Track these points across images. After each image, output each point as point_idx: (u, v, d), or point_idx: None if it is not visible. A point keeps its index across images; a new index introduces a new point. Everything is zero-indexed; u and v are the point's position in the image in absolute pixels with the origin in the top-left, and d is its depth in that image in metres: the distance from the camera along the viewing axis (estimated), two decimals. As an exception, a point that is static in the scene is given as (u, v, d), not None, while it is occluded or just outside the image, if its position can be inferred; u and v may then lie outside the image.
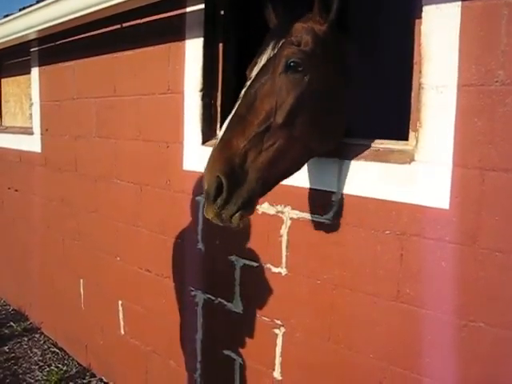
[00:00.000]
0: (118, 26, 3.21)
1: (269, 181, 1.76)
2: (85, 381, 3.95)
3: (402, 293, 1.88)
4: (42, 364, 4.19)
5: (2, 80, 5.44)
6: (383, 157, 1.92)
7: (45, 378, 3.96)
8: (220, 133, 1.72)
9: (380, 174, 1.89)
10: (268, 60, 1.78)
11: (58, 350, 4.39)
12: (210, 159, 1.65)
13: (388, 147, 1.97)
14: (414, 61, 1.83)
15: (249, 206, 1.69)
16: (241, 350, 2.62)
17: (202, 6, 2.59)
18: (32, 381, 3.94)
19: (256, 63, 1.83)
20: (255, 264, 2.43)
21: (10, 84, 5.30)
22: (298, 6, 1.91)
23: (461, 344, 1.71)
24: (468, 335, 1.69)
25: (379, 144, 2.00)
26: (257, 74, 1.77)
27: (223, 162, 1.62)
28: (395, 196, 1.86)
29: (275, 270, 2.33)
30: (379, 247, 1.94)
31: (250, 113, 1.70)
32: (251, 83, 1.76)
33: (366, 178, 1.94)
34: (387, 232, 1.90)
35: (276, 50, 1.77)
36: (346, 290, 2.07)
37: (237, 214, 1.65)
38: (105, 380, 3.88)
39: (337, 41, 1.91)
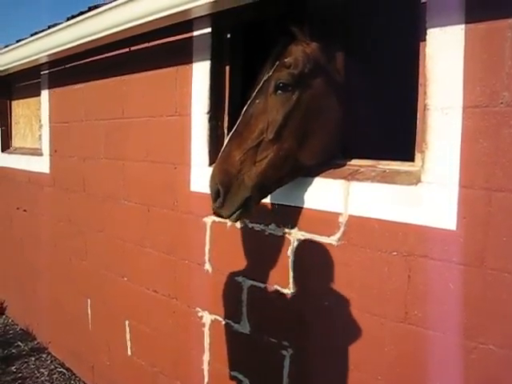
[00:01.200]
0: (127, 50, 3.27)
1: (263, 188, 2.00)
2: (91, 402, 3.93)
3: (409, 314, 1.86)
4: (48, 385, 4.18)
5: (13, 102, 5.52)
6: (389, 178, 1.93)
7: (51, 399, 3.95)
8: (223, 146, 1.99)
9: (387, 196, 1.90)
10: (264, 81, 2.00)
11: (64, 370, 4.37)
12: (213, 169, 1.97)
13: (394, 168, 1.98)
14: (419, 82, 1.85)
15: (246, 208, 1.95)
16: (248, 372, 2.60)
17: (209, 29, 2.63)
18: (38, 402, 3.93)
19: (257, 83, 2.04)
20: (262, 285, 2.43)
21: (21, 106, 5.38)
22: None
23: (470, 366, 1.69)
24: (478, 357, 1.67)
25: (385, 165, 2.01)
26: (254, 95, 2.00)
27: (222, 172, 1.91)
28: (402, 217, 1.86)
29: (283, 290, 2.33)
30: (386, 268, 1.93)
31: (246, 129, 1.95)
32: (249, 103, 2.01)
33: (372, 200, 1.94)
34: (394, 253, 1.90)
35: (271, 71, 1.99)
36: (354, 311, 2.06)
37: (234, 215, 1.94)
38: (111, 401, 3.85)
39: (330, 59, 2.08)
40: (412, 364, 1.87)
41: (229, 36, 2.64)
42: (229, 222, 2.54)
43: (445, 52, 1.72)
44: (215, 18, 2.54)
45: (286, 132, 1.95)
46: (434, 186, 1.76)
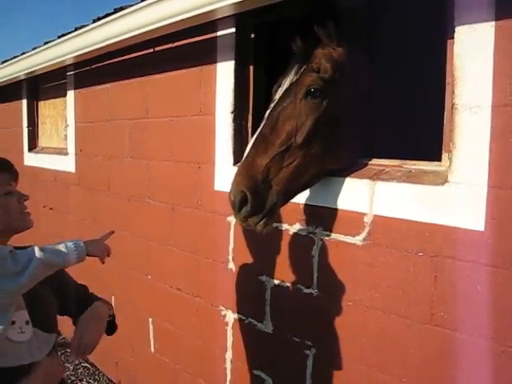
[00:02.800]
0: (151, 50, 3.30)
1: (289, 193, 1.96)
2: (115, 397, 4.00)
3: (435, 316, 1.84)
4: (73, 379, 4.27)
5: (40, 103, 5.63)
6: (416, 178, 1.91)
7: (77, 392, 4.03)
8: (246, 151, 1.92)
9: (413, 196, 1.88)
10: (290, 84, 1.95)
11: (89, 366, 4.45)
12: (236, 174, 1.88)
13: (420, 168, 1.95)
14: (447, 81, 1.83)
15: (271, 215, 1.90)
16: (271, 371, 2.60)
17: (233, 29, 2.64)
18: (64, 396, 4.00)
19: (280, 85, 2.00)
20: (286, 284, 2.43)
21: (47, 106, 5.48)
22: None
23: (498, 370, 1.67)
24: (506, 361, 1.64)
25: (411, 165, 1.99)
26: (280, 98, 1.95)
27: (248, 178, 1.84)
28: (429, 217, 1.84)
29: (306, 290, 2.32)
30: (412, 269, 1.91)
31: (273, 133, 1.90)
32: (275, 106, 1.96)
33: (398, 200, 1.93)
34: (420, 254, 1.88)
35: (298, 75, 1.94)
36: (378, 312, 2.05)
37: (261, 222, 1.88)
38: (134, 397, 3.91)
39: (355, 63, 2.04)
40: (438, 367, 1.84)
41: (253, 36, 2.64)
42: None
43: (474, 50, 1.70)
44: (239, 18, 2.55)
45: (314, 137, 1.91)
46: (462, 186, 1.73)
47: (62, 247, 1.58)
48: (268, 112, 1.97)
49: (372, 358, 2.09)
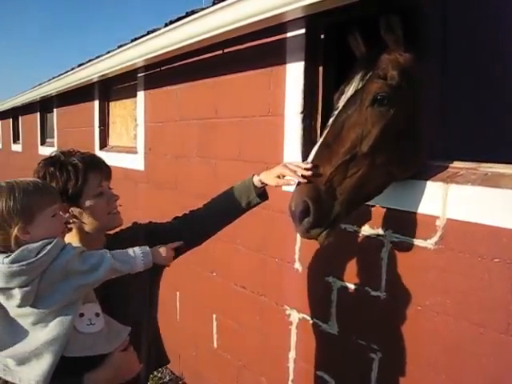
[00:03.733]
0: (220, 52, 3.37)
1: (352, 204, 1.89)
2: (177, 389, 4.11)
3: (513, 325, 1.78)
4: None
5: (111, 103, 5.88)
6: (492, 181, 1.84)
7: (142, 383, 4.17)
8: (308, 158, 1.87)
9: (489, 199, 1.81)
10: (355, 92, 1.88)
11: (152, 358, 4.60)
12: (299, 183, 1.81)
13: (497, 171, 1.88)
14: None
15: (334, 226, 1.85)
16: (334, 372, 2.60)
17: (303, 30, 2.65)
18: (130, 386, 4.16)
19: (343, 92, 1.94)
20: (353, 286, 2.42)
21: (117, 106, 5.72)
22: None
23: None
24: None
25: (487, 168, 1.92)
26: (344, 105, 1.89)
27: (311, 188, 1.77)
28: (506, 223, 1.77)
29: (374, 293, 2.30)
30: (487, 275, 1.85)
31: (337, 142, 1.84)
32: (339, 113, 1.89)
33: (473, 203, 1.87)
34: (496, 260, 1.81)
35: (364, 81, 1.88)
36: (450, 318, 1.99)
37: (323, 234, 1.81)
38: (196, 390, 4.01)
39: (422, 68, 1.95)
40: (514, 378, 1.78)
41: (322, 36, 2.64)
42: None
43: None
44: (309, 19, 2.56)
45: (379, 146, 1.84)
46: (544, 191, 1.66)
47: (130, 254, 1.60)
48: (331, 120, 1.91)
49: (441, 365, 2.04)
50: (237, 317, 3.37)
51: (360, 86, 1.88)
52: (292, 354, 2.86)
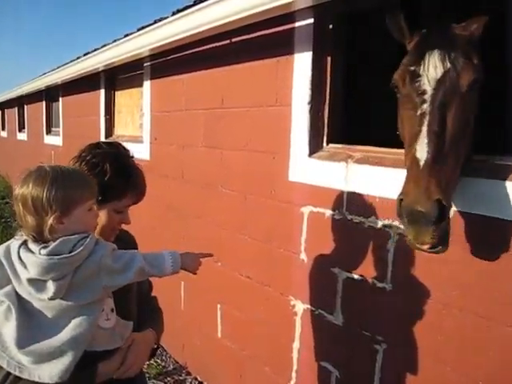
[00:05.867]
0: (227, 41, 3.34)
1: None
2: (181, 377, 4.13)
3: (520, 319, 1.77)
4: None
5: (117, 93, 5.88)
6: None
7: (145, 371, 4.19)
8: (420, 153, 1.64)
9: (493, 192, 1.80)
10: (444, 74, 1.69)
11: (156, 346, 4.62)
12: (418, 179, 1.60)
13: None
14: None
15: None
16: (338, 363, 2.61)
17: (311, 20, 2.63)
18: (134, 374, 4.20)
19: (417, 74, 1.74)
20: (359, 278, 2.41)
21: (123, 96, 5.71)
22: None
23: None
24: None
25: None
26: (436, 89, 1.69)
27: (438, 184, 1.58)
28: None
29: (379, 284, 2.30)
30: (494, 267, 1.85)
31: (446, 130, 1.65)
32: (433, 98, 1.69)
33: (480, 195, 1.86)
34: (504, 251, 1.81)
35: (449, 63, 1.69)
36: (455, 311, 1.99)
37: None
38: (199, 379, 4.03)
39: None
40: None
41: (331, 27, 2.62)
42: (327, 213, 2.55)
43: None
44: (318, 9, 2.54)
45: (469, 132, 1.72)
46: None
47: (160, 258, 1.59)
48: (428, 106, 1.68)
49: (447, 357, 2.04)
50: (241, 307, 3.38)
51: (448, 67, 1.68)
52: (296, 345, 2.87)
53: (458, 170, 1.71)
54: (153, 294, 2.20)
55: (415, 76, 1.74)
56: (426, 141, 1.63)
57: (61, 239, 1.43)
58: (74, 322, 1.45)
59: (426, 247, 1.65)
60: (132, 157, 1.87)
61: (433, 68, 1.70)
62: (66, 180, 1.47)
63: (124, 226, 1.89)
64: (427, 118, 1.66)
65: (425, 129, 1.65)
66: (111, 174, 1.68)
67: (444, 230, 1.62)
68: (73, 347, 1.43)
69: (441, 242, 1.63)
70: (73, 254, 1.41)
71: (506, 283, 1.80)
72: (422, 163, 1.60)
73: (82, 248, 1.43)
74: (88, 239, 1.45)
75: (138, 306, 1.94)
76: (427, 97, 1.69)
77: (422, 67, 1.73)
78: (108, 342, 1.57)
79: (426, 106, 1.69)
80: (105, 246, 1.51)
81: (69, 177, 1.49)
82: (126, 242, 1.93)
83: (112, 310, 1.60)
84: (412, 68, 1.75)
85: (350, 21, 2.71)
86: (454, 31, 1.74)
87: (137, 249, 2.02)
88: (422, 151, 1.62)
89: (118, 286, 1.53)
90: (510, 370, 1.81)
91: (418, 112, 1.69)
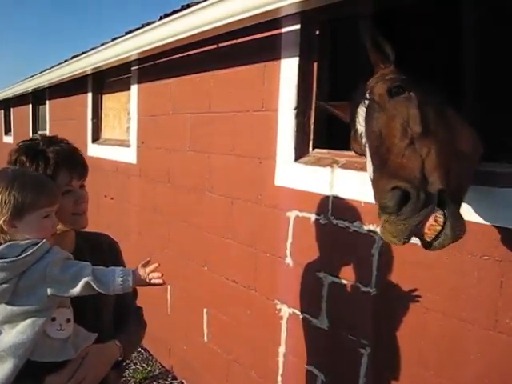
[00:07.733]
0: (215, 46, 3.35)
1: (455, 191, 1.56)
2: (167, 382, 4.13)
3: (500, 322, 1.80)
4: (128, 362, 4.41)
5: (104, 96, 5.84)
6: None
7: (131, 375, 4.19)
8: (369, 172, 1.62)
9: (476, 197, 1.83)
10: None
11: (142, 351, 4.60)
12: (375, 181, 1.53)
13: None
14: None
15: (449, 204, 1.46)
16: (324, 367, 2.62)
17: (298, 26, 2.65)
18: (120, 378, 4.18)
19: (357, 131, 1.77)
20: (344, 282, 2.43)
21: (111, 99, 5.68)
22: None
23: None
24: None
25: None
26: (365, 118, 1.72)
27: (393, 176, 1.44)
28: (492, 220, 1.79)
29: (364, 289, 2.32)
30: (476, 273, 1.88)
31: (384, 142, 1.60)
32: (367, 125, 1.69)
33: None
34: (485, 257, 1.84)
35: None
36: (438, 315, 2.02)
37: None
38: (185, 383, 4.01)
39: None
40: (501, 374, 1.80)
41: (317, 33, 2.64)
42: (313, 218, 2.57)
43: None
44: (304, 15, 2.56)
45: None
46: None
47: (110, 275, 1.51)
48: (363, 134, 1.69)
49: (430, 360, 2.07)
50: (227, 311, 3.38)
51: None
52: (282, 349, 2.88)
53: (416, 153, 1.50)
54: (138, 304, 2.10)
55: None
56: (370, 165, 1.59)
57: (8, 243, 1.41)
58: (17, 328, 1.40)
59: (396, 240, 1.47)
60: (60, 142, 1.72)
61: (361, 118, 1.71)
62: (23, 184, 1.44)
63: (107, 231, 1.83)
64: (366, 147, 1.65)
65: (367, 156, 1.63)
66: (32, 165, 1.57)
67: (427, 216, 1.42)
68: (14, 354, 1.38)
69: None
70: (17, 258, 1.38)
71: (487, 288, 1.83)
72: (373, 175, 1.55)
73: (27, 253, 1.39)
74: (36, 246, 1.41)
75: (119, 317, 1.87)
76: (359, 127, 1.71)
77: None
78: (57, 353, 1.48)
79: (360, 138, 1.70)
80: (55, 253, 1.46)
81: (28, 181, 1.46)
82: (104, 248, 1.86)
83: (68, 321, 1.52)
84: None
85: (335, 27, 2.74)
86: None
87: (119, 255, 1.98)
88: (369, 167, 1.60)
89: (66, 296, 1.47)
90: (491, 373, 1.83)
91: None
